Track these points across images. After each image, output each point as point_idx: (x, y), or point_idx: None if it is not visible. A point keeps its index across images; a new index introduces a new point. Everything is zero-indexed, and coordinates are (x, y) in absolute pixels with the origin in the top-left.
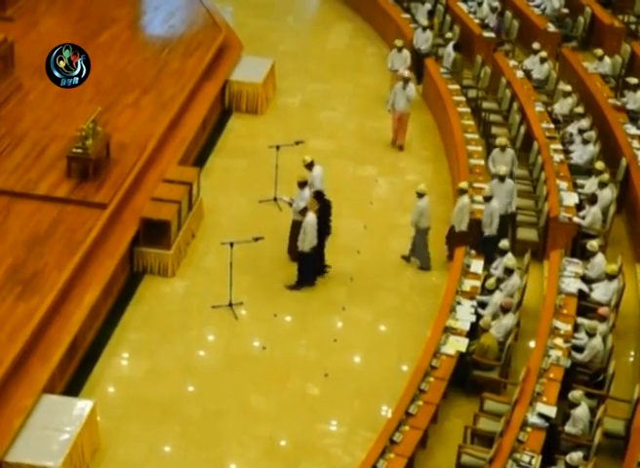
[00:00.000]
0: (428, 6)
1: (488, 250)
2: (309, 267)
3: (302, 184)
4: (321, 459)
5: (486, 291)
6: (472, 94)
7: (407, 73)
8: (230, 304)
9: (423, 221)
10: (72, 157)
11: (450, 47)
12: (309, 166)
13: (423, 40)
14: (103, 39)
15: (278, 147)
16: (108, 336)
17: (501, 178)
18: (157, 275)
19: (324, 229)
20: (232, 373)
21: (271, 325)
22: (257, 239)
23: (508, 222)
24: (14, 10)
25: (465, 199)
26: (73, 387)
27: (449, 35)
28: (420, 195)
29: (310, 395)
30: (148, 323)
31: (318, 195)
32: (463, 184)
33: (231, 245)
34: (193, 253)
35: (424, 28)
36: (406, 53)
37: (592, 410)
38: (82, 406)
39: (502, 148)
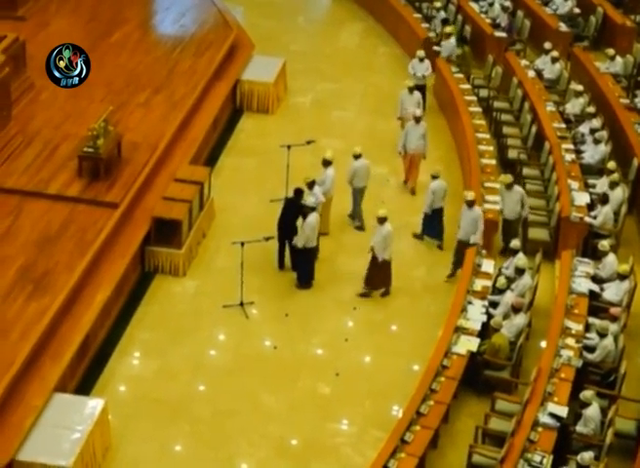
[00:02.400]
0: (443, 14)
1: (426, 224)
2: (305, 264)
3: (310, 185)
4: (332, 459)
5: (497, 290)
6: (484, 93)
7: (419, 112)
8: (241, 304)
9: (357, 181)
10: (83, 156)
11: (452, 40)
12: (326, 163)
13: (424, 69)
14: (115, 39)
15: (289, 147)
16: (119, 336)
17: (509, 186)
18: (168, 274)
19: (290, 229)
20: (243, 373)
21: (282, 324)
22: (267, 238)
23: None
24: (25, 9)
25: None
26: (84, 386)
27: (448, 29)
28: (356, 157)
29: (321, 394)
30: (159, 322)
31: (297, 192)
32: (382, 212)
33: (242, 244)
34: (204, 253)
35: (421, 59)
36: (417, 94)
37: (603, 411)
38: (93, 404)
39: (508, 186)
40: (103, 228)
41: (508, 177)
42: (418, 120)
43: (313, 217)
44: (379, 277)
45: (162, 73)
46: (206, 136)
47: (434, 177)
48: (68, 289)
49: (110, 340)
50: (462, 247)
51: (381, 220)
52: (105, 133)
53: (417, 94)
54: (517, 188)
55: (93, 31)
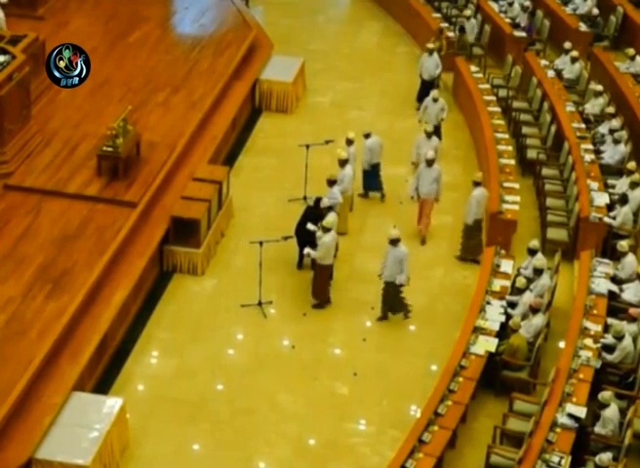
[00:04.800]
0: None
1: (366, 180)
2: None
3: (332, 182)
4: (349, 458)
5: (516, 290)
6: (503, 93)
7: (430, 154)
8: (260, 303)
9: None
10: (103, 156)
11: (435, 56)
12: (343, 163)
13: (438, 109)
14: (134, 38)
15: (308, 146)
16: (138, 335)
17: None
18: (187, 274)
19: (308, 235)
20: (261, 372)
21: (300, 324)
22: (286, 238)
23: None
24: (45, 9)
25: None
26: (103, 385)
27: (430, 45)
28: (349, 142)
29: (339, 394)
30: (178, 321)
31: (317, 201)
32: (328, 220)
33: (261, 244)
34: (223, 252)
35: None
36: (435, 139)
37: (622, 411)
38: (112, 403)
39: (476, 184)
40: (122, 227)
41: (478, 175)
42: (430, 163)
43: (331, 217)
44: (319, 286)
45: (181, 73)
46: (225, 135)
47: (367, 136)
48: (87, 288)
49: (129, 339)
50: (389, 288)
51: (325, 229)
52: (124, 132)
53: (435, 139)
54: (479, 190)
55: (112, 30)
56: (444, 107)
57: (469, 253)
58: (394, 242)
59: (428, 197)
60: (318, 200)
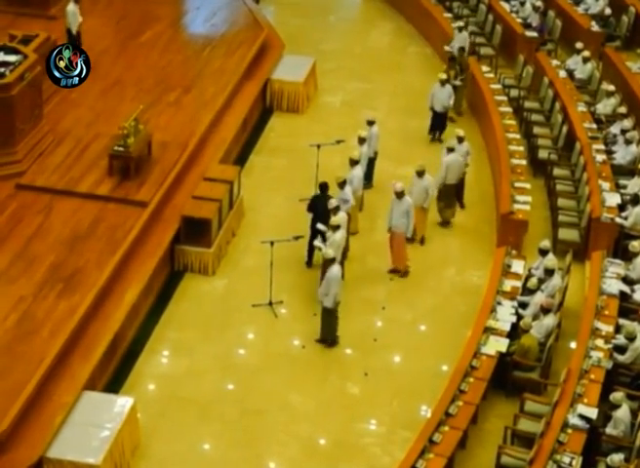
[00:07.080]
0: (464, 35)
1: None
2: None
3: (342, 184)
4: (360, 458)
5: (526, 291)
6: (514, 93)
7: (399, 186)
8: (270, 303)
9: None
10: (114, 155)
11: (448, 87)
12: (353, 163)
13: (464, 151)
14: (145, 38)
15: (319, 146)
16: (149, 334)
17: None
18: (198, 273)
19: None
20: (271, 372)
21: (311, 324)
22: (297, 238)
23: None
24: (57, 9)
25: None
26: (114, 384)
27: (442, 76)
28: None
29: (350, 394)
30: (188, 321)
31: (322, 187)
32: (335, 219)
33: (272, 243)
34: (234, 252)
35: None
36: (427, 179)
37: (634, 412)
38: (122, 402)
39: (449, 150)
40: (133, 227)
41: (451, 143)
42: (399, 195)
43: (339, 215)
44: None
45: (192, 72)
46: (236, 135)
47: (370, 123)
48: (98, 287)
49: (139, 339)
50: (324, 312)
51: (335, 228)
52: (136, 131)
53: (427, 178)
54: (451, 155)
55: (124, 30)
56: (469, 151)
57: (441, 215)
58: (329, 262)
59: (397, 230)
60: (322, 185)
